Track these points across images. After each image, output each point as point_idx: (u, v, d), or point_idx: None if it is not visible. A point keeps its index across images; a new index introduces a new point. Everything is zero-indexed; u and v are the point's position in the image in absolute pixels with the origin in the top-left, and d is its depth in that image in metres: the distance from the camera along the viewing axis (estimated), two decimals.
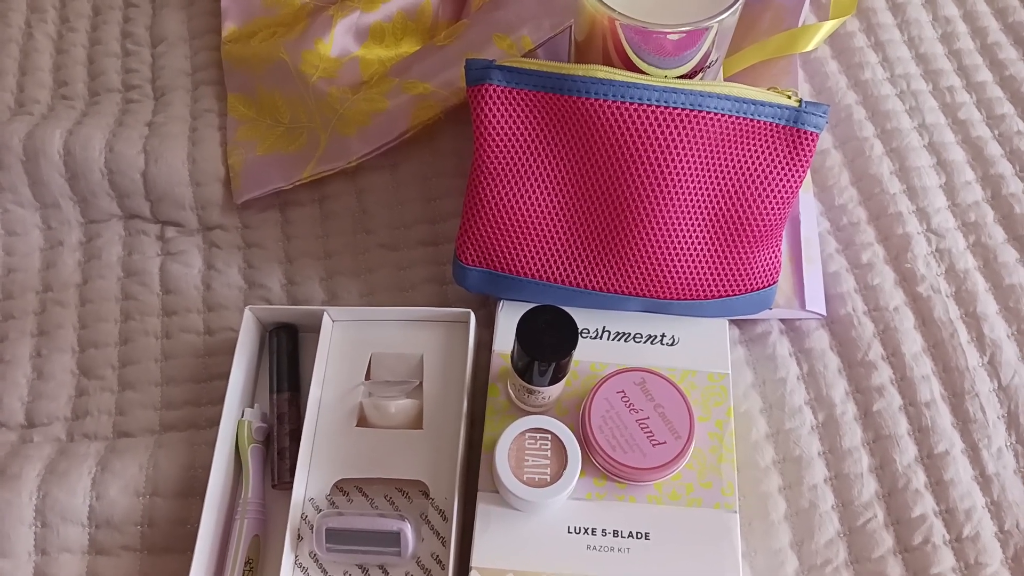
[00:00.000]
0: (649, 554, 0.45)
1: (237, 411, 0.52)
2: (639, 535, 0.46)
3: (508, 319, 0.53)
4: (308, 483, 0.50)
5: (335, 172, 0.61)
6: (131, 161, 0.62)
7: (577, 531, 0.46)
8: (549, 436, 0.46)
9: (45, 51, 0.72)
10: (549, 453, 0.45)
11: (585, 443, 0.47)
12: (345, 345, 0.54)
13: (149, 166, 0.62)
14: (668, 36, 0.46)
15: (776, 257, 0.52)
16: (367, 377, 0.53)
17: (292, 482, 0.49)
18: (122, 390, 0.57)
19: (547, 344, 0.44)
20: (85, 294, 0.60)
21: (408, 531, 0.46)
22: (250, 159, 0.63)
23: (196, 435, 0.54)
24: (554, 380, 0.46)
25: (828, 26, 0.60)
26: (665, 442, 0.46)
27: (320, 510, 0.49)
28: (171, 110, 0.66)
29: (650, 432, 0.46)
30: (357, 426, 0.51)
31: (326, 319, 0.53)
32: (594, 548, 0.45)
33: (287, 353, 0.55)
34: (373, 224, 0.61)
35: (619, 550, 0.45)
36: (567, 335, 0.44)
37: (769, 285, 0.52)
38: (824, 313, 0.54)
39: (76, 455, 0.52)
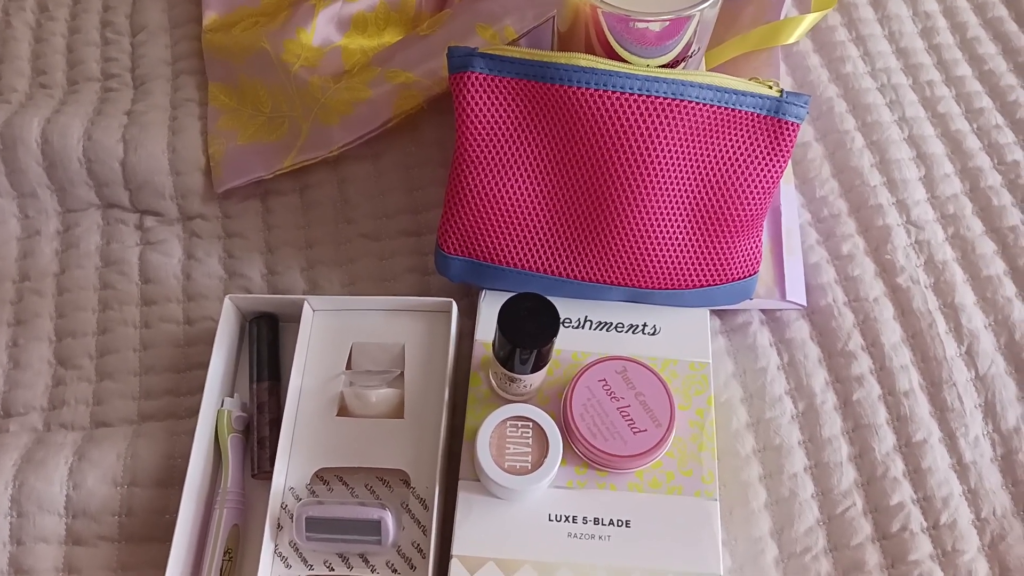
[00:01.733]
0: (630, 541, 0.45)
1: (217, 400, 0.52)
2: (620, 523, 0.46)
3: (490, 308, 0.53)
4: (288, 472, 0.49)
5: (317, 161, 0.61)
6: (110, 150, 0.62)
7: (558, 519, 0.46)
8: (530, 424, 0.46)
9: (23, 39, 0.71)
10: (530, 441, 0.45)
11: (566, 431, 0.47)
12: (326, 334, 0.54)
13: (128, 155, 0.61)
14: (650, 24, 0.46)
15: (757, 247, 0.52)
16: (348, 366, 0.53)
17: (272, 471, 0.49)
18: (100, 380, 0.56)
19: (528, 332, 0.44)
20: (63, 283, 0.60)
21: (389, 520, 0.46)
22: (231, 148, 0.62)
23: (175, 425, 0.53)
24: (536, 368, 0.46)
25: (810, 19, 0.60)
26: (646, 430, 0.46)
27: (300, 499, 0.48)
28: (151, 99, 0.66)
29: (631, 420, 0.46)
30: (338, 415, 0.51)
31: (307, 308, 0.53)
32: (575, 536, 0.45)
33: (267, 342, 0.55)
34: (355, 214, 0.61)
35: (600, 537, 0.45)
36: (549, 323, 0.44)
37: (750, 275, 0.52)
38: (804, 304, 0.54)
39: (53, 444, 0.52)
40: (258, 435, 0.51)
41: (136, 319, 0.58)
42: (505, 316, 0.44)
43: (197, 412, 0.51)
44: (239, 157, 0.62)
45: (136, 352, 0.57)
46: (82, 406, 0.55)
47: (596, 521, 0.46)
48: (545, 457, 0.45)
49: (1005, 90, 0.64)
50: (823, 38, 0.67)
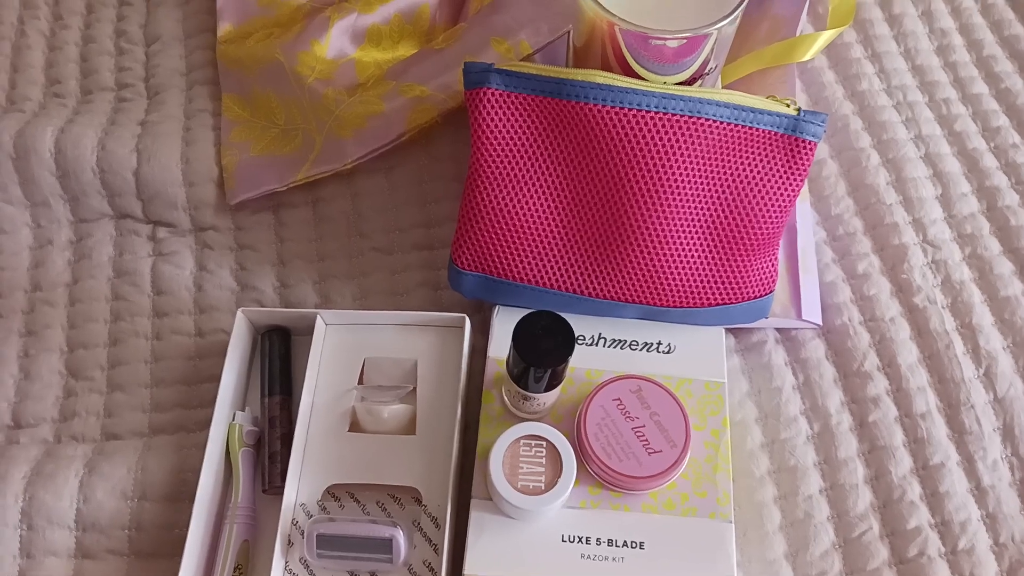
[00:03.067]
0: (644, 563, 0.45)
1: (228, 414, 0.52)
2: (634, 544, 0.45)
3: (504, 325, 0.52)
4: (299, 488, 0.49)
5: (330, 175, 0.61)
6: (123, 160, 0.61)
7: (571, 539, 0.45)
8: (544, 443, 0.46)
9: (37, 48, 0.71)
10: (544, 460, 0.45)
11: (580, 451, 0.46)
12: (338, 349, 0.53)
13: (141, 165, 0.61)
14: (668, 42, 0.46)
15: (773, 266, 0.52)
16: (360, 381, 0.53)
17: (283, 487, 0.49)
18: (111, 391, 0.56)
19: (543, 350, 0.43)
20: (75, 294, 0.60)
21: (400, 538, 0.46)
22: (244, 160, 0.62)
23: (185, 438, 0.53)
24: (550, 387, 0.46)
25: (826, 36, 0.60)
26: (661, 451, 0.46)
27: (311, 516, 0.48)
28: (165, 109, 0.66)
29: (646, 440, 0.46)
30: (349, 431, 0.51)
31: (319, 322, 0.53)
32: (588, 557, 0.45)
33: (279, 356, 0.54)
34: (367, 227, 0.61)
35: (613, 559, 0.45)
36: (564, 341, 0.43)
37: (766, 294, 0.52)
38: (820, 323, 0.54)
39: (63, 457, 0.52)
40: (269, 450, 0.51)
41: (147, 331, 0.58)
42: (520, 334, 0.43)
43: (208, 425, 0.51)
44: (252, 169, 0.62)
45: (147, 364, 0.57)
46: (93, 418, 0.55)
47: (610, 543, 0.45)
48: (559, 477, 0.45)
49: (1022, 109, 0.63)
50: (839, 55, 0.66)
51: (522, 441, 0.46)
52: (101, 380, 0.56)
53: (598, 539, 0.45)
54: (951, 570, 0.47)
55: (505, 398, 0.49)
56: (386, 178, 0.62)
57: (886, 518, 0.49)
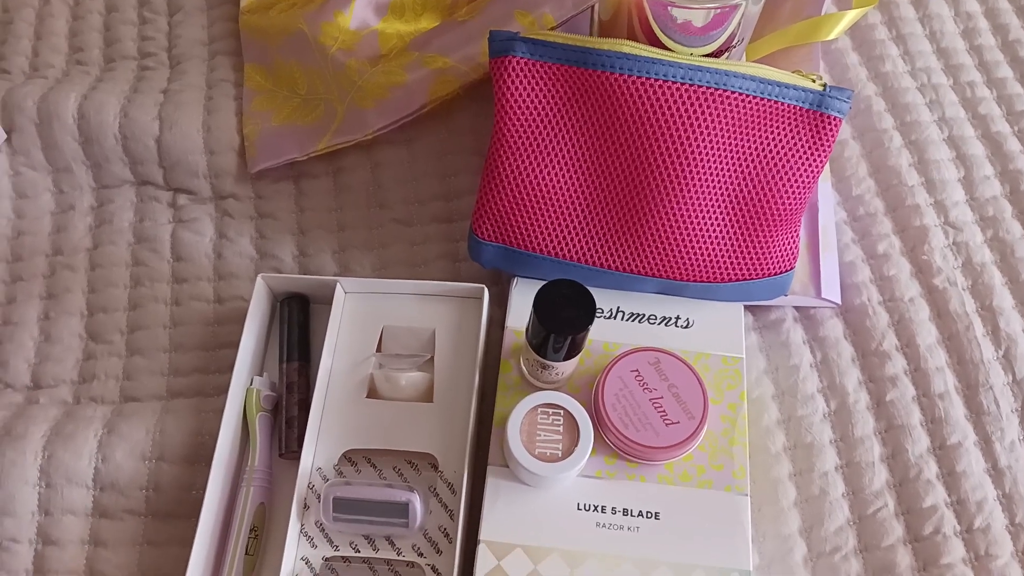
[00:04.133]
0: (659, 534, 0.45)
1: (246, 378, 0.52)
2: (649, 514, 0.45)
3: (522, 296, 0.52)
4: (316, 452, 0.49)
5: (350, 145, 0.61)
6: (145, 127, 0.62)
7: (586, 508, 0.45)
8: (561, 412, 0.46)
9: (61, 16, 0.71)
10: (561, 429, 0.45)
11: (597, 420, 0.47)
12: (357, 317, 0.54)
13: (164, 133, 0.62)
14: (695, 13, 0.46)
15: (794, 243, 0.52)
16: (378, 349, 0.53)
17: (300, 451, 0.49)
18: (130, 355, 0.56)
19: (564, 318, 0.43)
20: (95, 259, 0.60)
21: (417, 503, 0.46)
22: (265, 129, 0.62)
23: (203, 402, 0.53)
24: (569, 355, 0.46)
25: (850, 15, 0.60)
26: (678, 422, 0.46)
27: (328, 479, 0.48)
28: (187, 78, 0.66)
29: (663, 412, 0.46)
30: (367, 397, 0.51)
31: (339, 290, 0.53)
32: (603, 526, 0.45)
33: (298, 323, 0.55)
34: (387, 199, 0.61)
35: (628, 528, 0.45)
36: (584, 310, 0.43)
37: (786, 271, 0.51)
38: (839, 302, 0.54)
39: (82, 418, 0.52)
40: (286, 415, 0.51)
41: (167, 296, 0.58)
42: (541, 302, 0.43)
43: (225, 390, 0.51)
44: (273, 138, 0.62)
45: (166, 329, 0.57)
46: (112, 381, 0.55)
47: (625, 512, 0.45)
48: (576, 445, 0.45)
49: None
50: (863, 36, 0.66)
51: (540, 409, 0.46)
52: (120, 344, 0.57)
53: (613, 508, 0.45)
54: (966, 548, 0.47)
55: (523, 367, 0.49)
56: (406, 150, 0.62)
57: (902, 496, 0.48)
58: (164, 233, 0.61)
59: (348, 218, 0.60)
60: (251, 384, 0.52)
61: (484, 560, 0.44)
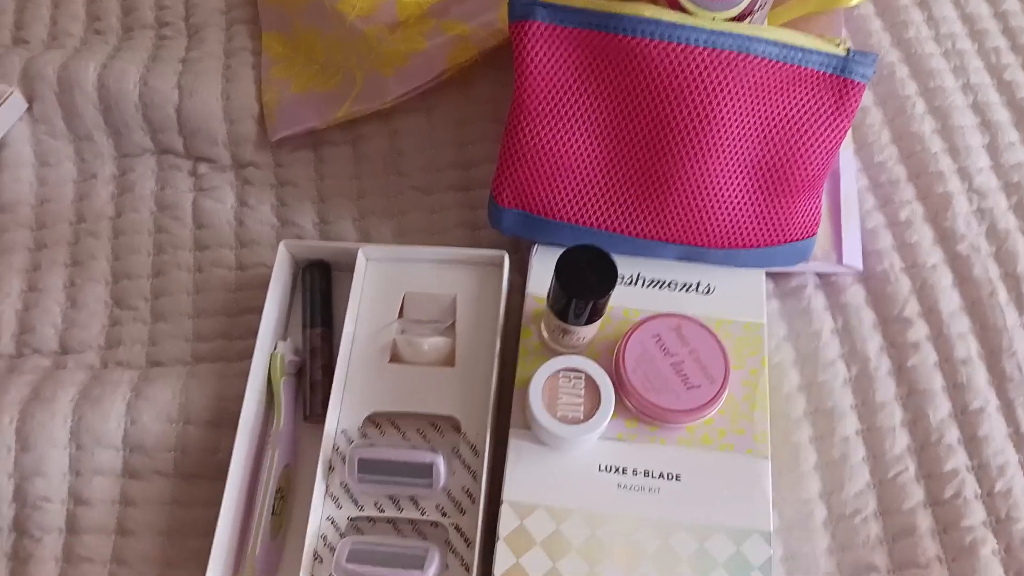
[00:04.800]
0: (680, 495, 0.45)
1: (270, 343, 0.52)
2: (670, 476, 0.46)
3: (542, 262, 0.53)
4: (340, 416, 0.50)
5: (369, 113, 0.61)
6: (166, 95, 0.62)
7: (608, 470, 0.46)
8: (583, 376, 0.46)
9: None
10: (583, 392, 0.46)
11: (619, 384, 0.47)
12: (379, 284, 0.54)
13: (184, 101, 0.62)
14: None
15: (817, 209, 0.51)
16: (400, 315, 0.53)
17: (324, 415, 0.50)
18: (154, 321, 0.57)
19: (586, 283, 0.43)
20: (118, 226, 0.60)
21: (440, 464, 0.46)
22: (285, 97, 0.62)
23: (227, 367, 0.54)
24: (590, 320, 0.46)
25: None
26: (699, 386, 0.46)
27: (352, 441, 0.49)
28: (205, 47, 0.66)
29: (684, 375, 0.46)
30: (390, 362, 0.51)
31: (361, 256, 0.53)
32: (625, 487, 0.45)
33: (320, 289, 0.55)
34: (406, 166, 0.61)
35: (650, 490, 0.45)
36: (606, 274, 0.43)
37: (808, 236, 0.51)
38: (861, 268, 0.54)
39: (110, 382, 0.53)
40: (311, 379, 0.52)
41: (189, 263, 0.59)
42: (563, 266, 0.44)
43: (248, 356, 0.52)
44: (293, 106, 0.62)
45: (189, 295, 0.58)
46: (137, 346, 0.56)
47: (646, 474, 0.46)
48: (597, 408, 0.45)
49: None
50: (885, 2, 0.65)
51: (561, 373, 0.46)
52: (145, 310, 0.57)
53: (635, 470, 0.46)
54: (987, 511, 0.47)
55: (544, 332, 0.50)
56: (425, 118, 0.62)
57: (922, 460, 0.49)
58: (185, 201, 0.61)
59: (367, 186, 0.61)
60: (275, 349, 0.53)
61: (507, 519, 0.45)
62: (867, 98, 0.61)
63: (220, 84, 0.63)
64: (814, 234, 0.51)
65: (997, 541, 0.46)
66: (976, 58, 0.62)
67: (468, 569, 0.46)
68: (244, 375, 0.51)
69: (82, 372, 0.54)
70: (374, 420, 0.50)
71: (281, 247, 0.54)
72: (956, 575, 0.45)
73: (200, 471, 0.51)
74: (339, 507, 0.48)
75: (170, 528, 0.50)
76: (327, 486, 0.48)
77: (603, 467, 0.46)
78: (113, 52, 0.65)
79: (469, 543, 0.46)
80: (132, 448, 0.51)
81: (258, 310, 0.53)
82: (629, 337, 0.48)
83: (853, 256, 0.53)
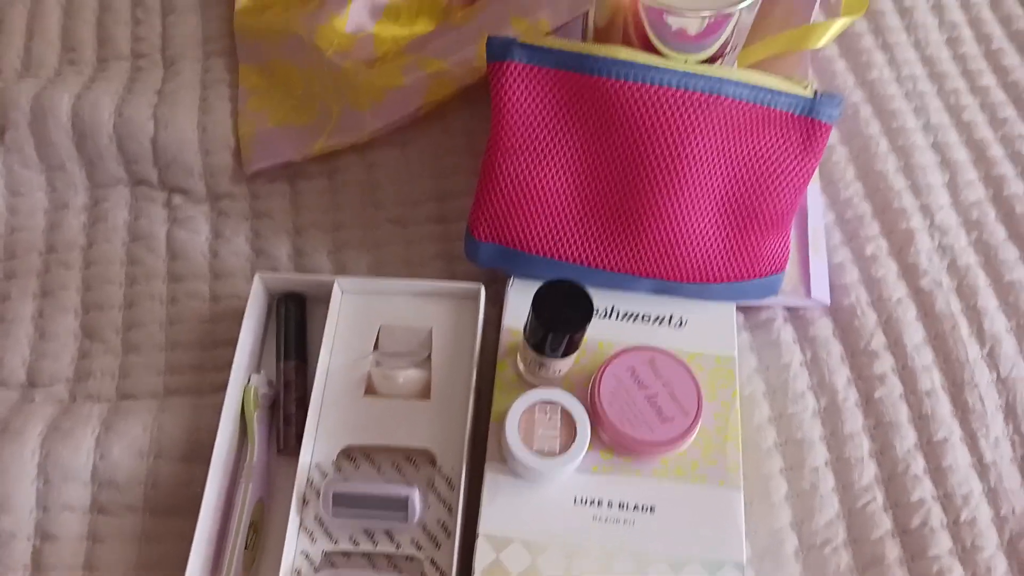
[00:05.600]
0: (654, 527, 0.45)
1: (244, 376, 0.52)
2: (645, 508, 0.46)
3: (518, 295, 0.53)
4: (315, 449, 0.50)
5: (346, 146, 0.61)
6: (141, 126, 0.62)
7: (584, 502, 0.46)
8: (559, 408, 0.46)
9: (53, 14, 0.71)
10: (559, 425, 0.46)
11: (594, 417, 0.47)
12: (354, 316, 0.54)
13: (159, 132, 0.62)
14: (690, 21, 0.47)
15: (785, 245, 0.53)
16: (375, 348, 0.53)
17: (298, 448, 0.49)
18: (126, 353, 0.56)
19: (563, 316, 0.44)
20: (89, 257, 0.60)
21: (416, 497, 0.46)
22: (261, 130, 0.63)
23: (200, 400, 0.54)
24: (566, 353, 0.47)
25: (838, 24, 0.61)
26: (673, 418, 0.47)
27: (326, 475, 0.49)
28: (181, 78, 0.66)
29: (659, 408, 0.47)
30: (365, 395, 0.51)
31: (336, 288, 0.54)
32: (600, 519, 0.46)
33: (295, 322, 0.55)
34: (383, 199, 0.61)
35: (624, 522, 0.46)
36: (583, 308, 0.44)
37: (778, 271, 0.52)
38: (828, 302, 0.55)
39: (79, 415, 0.52)
40: (284, 412, 0.52)
41: (163, 294, 0.58)
42: (540, 301, 0.44)
43: (221, 388, 0.52)
44: (269, 139, 0.62)
45: (162, 327, 0.57)
46: (108, 378, 0.55)
47: (621, 506, 0.46)
48: (573, 441, 0.45)
49: None
50: (850, 44, 0.67)
51: (537, 406, 0.46)
52: (116, 341, 0.57)
53: (610, 502, 0.46)
54: (953, 540, 0.48)
55: (520, 365, 0.50)
56: (401, 151, 0.63)
57: (890, 490, 0.50)
58: (159, 232, 0.61)
59: (343, 218, 0.61)
60: (248, 382, 0.52)
61: (483, 553, 0.45)
62: (833, 136, 0.63)
63: (196, 116, 0.63)
64: (783, 269, 0.53)
65: (964, 569, 0.47)
66: (936, 99, 0.65)
67: None
68: (217, 408, 0.50)
69: (51, 405, 0.53)
70: (348, 454, 0.50)
71: (256, 279, 0.54)
72: None
73: (172, 506, 0.50)
74: (313, 541, 0.47)
75: (139, 564, 0.49)
76: (301, 520, 0.48)
77: (579, 500, 0.46)
78: (88, 83, 0.65)
79: None
80: (101, 483, 0.50)
81: (232, 342, 0.52)
82: (604, 370, 0.48)
83: (821, 290, 0.55)
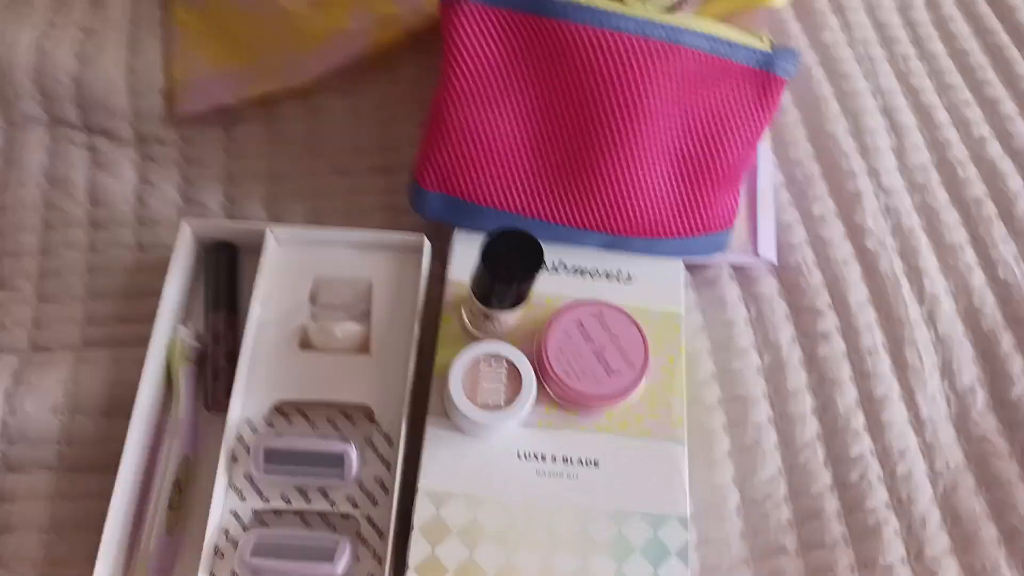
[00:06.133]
0: (598, 481, 0.45)
1: (169, 328, 0.49)
2: (588, 462, 0.45)
3: (463, 247, 0.51)
4: (245, 404, 0.47)
5: (287, 91, 0.58)
6: (62, 64, 0.58)
7: (527, 456, 0.45)
8: (504, 362, 0.45)
9: None
10: (504, 379, 0.44)
11: (540, 370, 0.46)
12: (289, 267, 0.51)
13: (82, 70, 0.58)
14: None
15: (735, 201, 0.52)
16: (311, 300, 0.51)
17: (227, 404, 0.47)
18: (40, 303, 0.53)
19: (511, 265, 0.42)
20: (2, 201, 0.56)
21: (352, 453, 0.44)
22: (196, 72, 0.59)
23: (122, 352, 0.50)
24: (514, 305, 0.45)
25: None
26: (619, 371, 0.46)
27: (257, 431, 0.46)
28: (107, 13, 0.62)
29: (605, 362, 0.46)
30: (300, 348, 0.49)
31: (269, 237, 0.51)
32: (543, 474, 0.45)
33: (226, 271, 0.52)
34: (324, 147, 0.58)
35: (568, 476, 0.45)
36: (532, 257, 0.42)
37: (725, 228, 0.52)
38: (775, 261, 0.55)
39: None
40: (213, 366, 0.49)
41: (83, 242, 0.55)
42: (488, 249, 0.42)
43: (146, 341, 0.49)
44: (205, 81, 0.59)
45: (81, 276, 0.54)
46: (19, 329, 0.52)
47: (565, 460, 0.45)
48: (517, 395, 0.44)
49: (975, 68, 0.65)
50: (805, 6, 0.67)
51: (482, 359, 0.45)
52: (29, 290, 0.53)
53: (553, 456, 0.45)
54: (889, 494, 0.48)
55: (465, 319, 0.48)
56: (344, 99, 0.60)
57: (830, 446, 0.50)
58: (79, 176, 0.57)
59: (281, 167, 0.58)
60: (174, 334, 0.49)
61: (423, 508, 0.43)
62: (785, 97, 0.63)
63: (124, 55, 0.59)
64: (731, 225, 0.52)
65: (899, 521, 0.47)
66: (886, 64, 0.65)
67: (380, 561, 0.44)
68: (140, 361, 0.47)
69: None
70: (282, 409, 0.48)
71: (183, 225, 0.50)
72: (860, 554, 0.47)
73: (90, 463, 0.47)
74: (243, 499, 0.45)
75: (54, 524, 0.46)
76: (230, 477, 0.45)
77: (522, 454, 0.45)
78: (5, 14, 0.60)
79: (382, 534, 0.44)
80: (12, 439, 0.47)
81: (158, 293, 0.49)
82: (552, 323, 0.47)
83: (768, 249, 0.55)
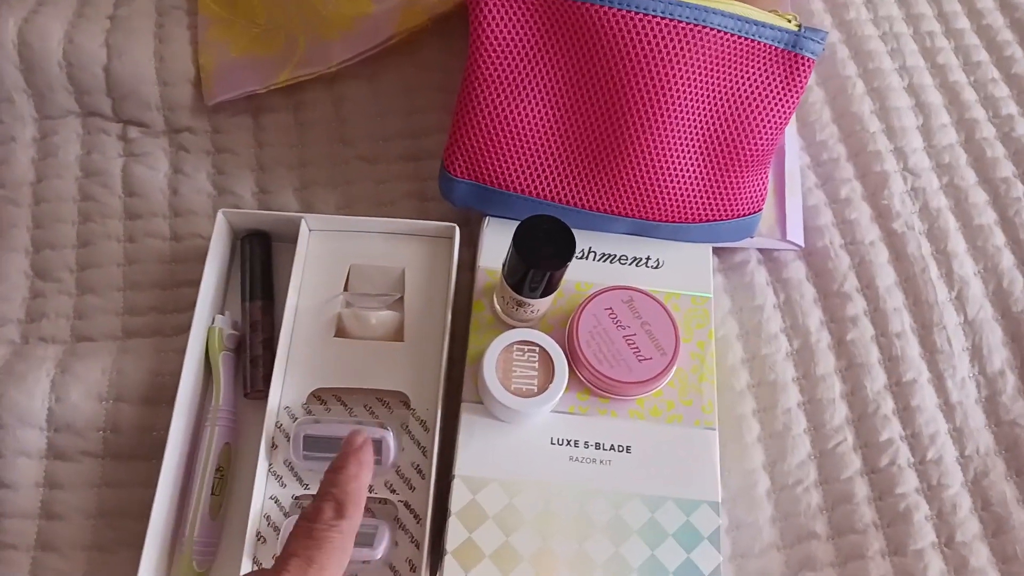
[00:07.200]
0: (630, 467, 0.45)
1: (208, 317, 0.50)
2: (620, 448, 0.46)
3: (494, 234, 0.52)
4: (283, 391, 0.48)
5: (312, 78, 0.58)
6: (93, 55, 0.58)
7: (560, 442, 0.46)
8: (536, 349, 0.46)
9: None
10: (536, 365, 0.45)
11: (571, 357, 0.47)
12: (322, 256, 0.52)
13: (112, 61, 0.58)
14: None
15: (763, 184, 0.52)
16: (345, 288, 0.52)
17: (266, 391, 0.48)
18: (81, 294, 0.54)
19: (544, 254, 0.43)
20: (40, 193, 0.57)
21: (390, 439, 0.45)
22: (223, 60, 0.59)
23: (162, 342, 0.52)
24: (545, 292, 0.46)
25: None
26: (651, 358, 0.46)
27: (296, 418, 0.48)
28: (135, 3, 0.62)
29: (636, 348, 0.46)
30: (335, 336, 0.50)
31: (303, 227, 0.52)
32: (576, 459, 0.46)
33: (260, 260, 0.53)
34: (351, 135, 0.59)
35: (601, 462, 0.46)
36: (564, 245, 0.43)
37: (755, 212, 0.52)
38: (803, 244, 0.55)
39: (33, 357, 0.50)
40: (251, 354, 0.50)
41: (120, 233, 0.56)
42: (521, 237, 0.43)
43: (184, 330, 0.50)
44: (231, 70, 0.59)
45: (120, 267, 0.55)
46: (63, 320, 0.53)
47: (597, 446, 0.46)
48: (551, 381, 0.45)
49: (1002, 45, 0.64)
50: None
51: (515, 346, 0.46)
52: (70, 282, 0.54)
53: (586, 442, 0.46)
54: (919, 479, 0.49)
55: (497, 306, 0.49)
56: (370, 85, 0.60)
57: (860, 431, 0.50)
58: (114, 167, 0.58)
59: (310, 155, 0.58)
60: (212, 323, 0.50)
61: (459, 494, 0.44)
62: (811, 77, 0.62)
63: (153, 45, 0.60)
64: (760, 210, 0.52)
65: (929, 507, 0.48)
66: (911, 41, 0.64)
67: (418, 546, 0.45)
68: (180, 350, 0.49)
69: (2, 347, 0.51)
70: (319, 396, 0.49)
71: (219, 216, 0.51)
72: (891, 539, 0.47)
73: (134, 451, 0.49)
74: (283, 486, 0.46)
75: (101, 511, 0.47)
76: (270, 464, 0.47)
77: (555, 440, 0.46)
78: (35, 6, 0.61)
79: (419, 519, 0.45)
80: (58, 427, 0.48)
81: (195, 283, 0.50)
82: (583, 309, 0.47)
83: (796, 232, 0.55)
